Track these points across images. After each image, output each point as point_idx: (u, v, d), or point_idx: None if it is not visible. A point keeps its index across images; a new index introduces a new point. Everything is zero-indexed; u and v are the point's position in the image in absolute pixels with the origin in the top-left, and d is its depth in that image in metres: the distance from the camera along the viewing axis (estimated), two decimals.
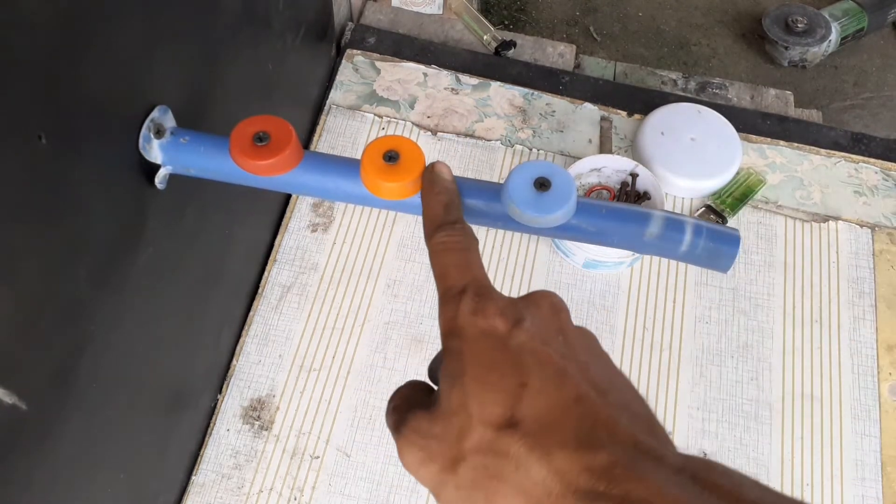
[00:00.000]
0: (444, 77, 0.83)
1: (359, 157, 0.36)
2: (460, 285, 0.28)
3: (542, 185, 0.34)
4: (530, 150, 0.79)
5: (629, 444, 0.23)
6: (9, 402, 0.33)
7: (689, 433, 0.65)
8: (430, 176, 0.35)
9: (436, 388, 0.28)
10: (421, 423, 0.26)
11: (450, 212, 0.33)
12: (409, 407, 0.27)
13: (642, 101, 0.82)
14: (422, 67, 0.83)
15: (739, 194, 0.76)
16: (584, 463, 0.22)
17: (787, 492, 0.63)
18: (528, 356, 0.25)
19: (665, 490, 0.21)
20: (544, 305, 0.28)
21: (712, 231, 0.36)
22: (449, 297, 0.28)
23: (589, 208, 0.36)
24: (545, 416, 0.24)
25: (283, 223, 0.73)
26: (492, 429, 0.24)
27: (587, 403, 0.24)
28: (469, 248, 0.30)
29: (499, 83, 0.83)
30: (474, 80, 0.83)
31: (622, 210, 0.37)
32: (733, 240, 0.36)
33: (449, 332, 0.27)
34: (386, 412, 0.29)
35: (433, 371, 0.32)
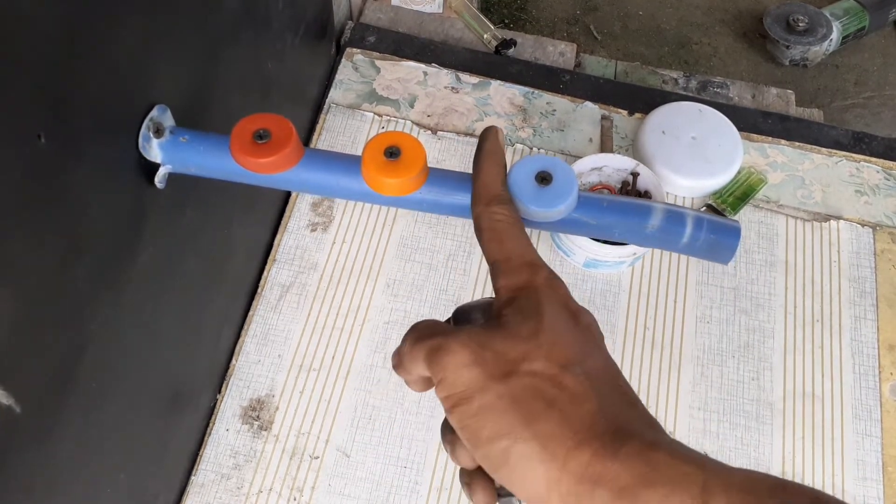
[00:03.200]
0: (445, 76, 0.83)
1: (359, 154, 0.36)
2: (529, 258, 0.30)
3: (543, 179, 0.34)
4: (531, 149, 0.79)
5: (654, 418, 0.28)
6: (5, 404, 0.33)
7: (690, 433, 0.65)
8: (494, 144, 0.34)
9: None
10: (481, 334, 0.28)
11: (504, 186, 0.33)
12: (450, 327, 0.29)
13: (643, 100, 0.82)
14: (422, 66, 0.83)
15: (740, 193, 0.76)
16: (630, 415, 0.27)
17: None
18: (593, 335, 0.29)
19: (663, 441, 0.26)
20: (593, 317, 0.31)
21: (713, 223, 0.36)
22: (519, 265, 0.30)
23: (590, 202, 0.36)
24: (603, 377, 0.28)
25: (282, 222, 0.73)
26: (557, 365, 0.27)
27: (630, 388, 0.28)
28: (524, 228, 0.32)
29: (499, 82, 0.82)
30: (474, 79, 0.82)
31: (624, 203, 0.37)
32: (734, 232, 0.36)
33: (524, 286, 0.29)
34: (410, 329, 0.30)
35: (466, 313, 0.33)
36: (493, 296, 0.31)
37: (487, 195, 0.32)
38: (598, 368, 0.28)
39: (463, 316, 0.33)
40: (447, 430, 0.30)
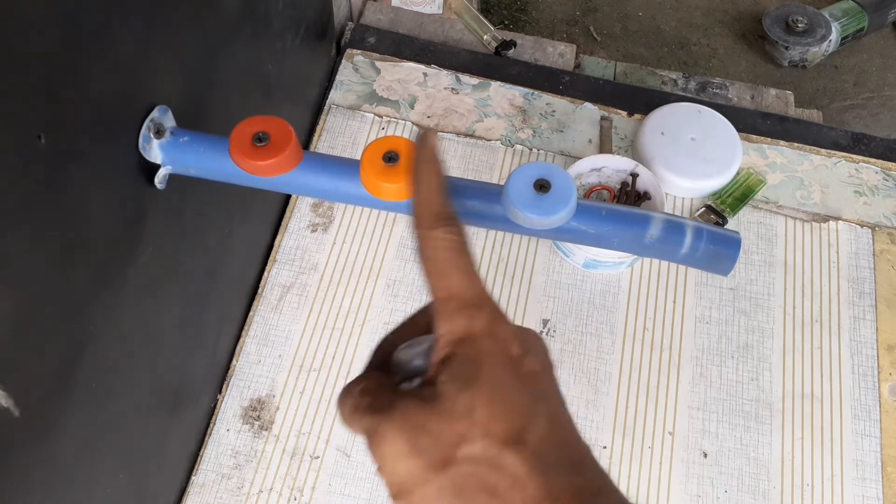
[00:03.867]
0: (444, 77, 0.83)
1: (359, 157, 0.36)
2: (471, 297, 0.28)
3: (542, 186, 0.34)
4: (530, 149, 0.79)
5: (603, 474, 0.26)
6: (4, 405, 0.33)
7: (689, 433, 0.65)
8: (429, 152, 0.30)
9: (402, 384, 0.29)
10: (417, 415, 0.26)
11: (447, 200, 0.29)
12: (386, 395, 0.27)
13: (642, 101, 0.82)
14: (422, 67, 0.83)
15: (740, 194, 0.76)
16: (575, 486, 0.25)
17: (787, 491, 0.63)
18: (538, 384, 0.27)
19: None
20: (540, 344, 0.29)
21: (713, 234, 0.36)
22: (458, 307, 0.28)
23: (589, 210, 0.36)
24: (547, 442, 0.25)
25: (282, 223, 0.73)
26: (497, 443, 0.25)
27: (577, 441, 0.27)
28: (471, 252, 0.29)
29: (499, 83, 0.82)
30: (474, 80, 0.83)
31: (622, 212, 0.37)
32: (734, 242, 0.36)
33: (462, 339, 0.27)
34: (347, 392, 0.28)
35: (406, 363, 0.30)
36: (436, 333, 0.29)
37: (428, 214, 0.28)
38: (543, 436, 0.26)
39: (402, 366, 0.30)
40: None
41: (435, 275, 0.29)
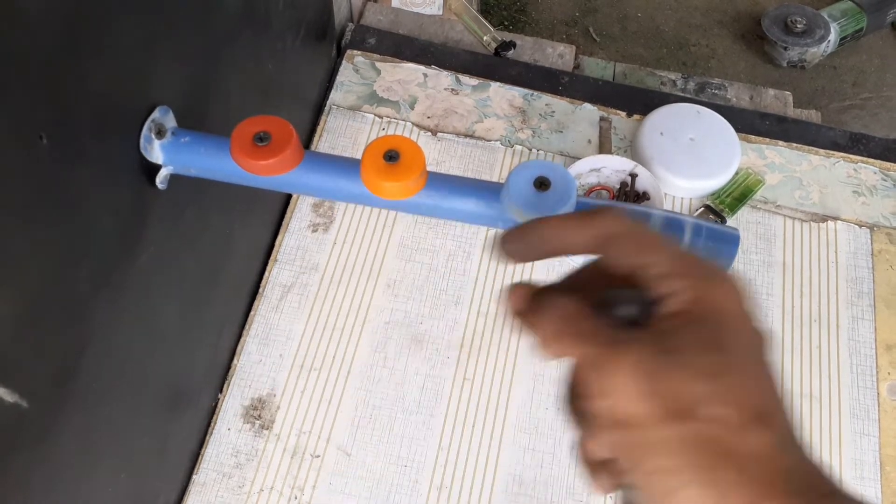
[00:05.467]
0: (444, 77, 0.83)
1: (359, 157, 0.36)
2: (706, 269, 0.26)
3: (542, 184, 0.34)
4: (530, 150, 0.79)
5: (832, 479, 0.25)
6: (10, 402, 0.33)
7: None
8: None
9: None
10: (654, 359, 0.24)
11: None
12: (589, 324, 0.26)
13: (642, 102, 0.82)
14: (422, 68, 0.83)
15: (738, 194, 0.76)
16: (812, 479, 0.24)
17: None
18: (774, 373, 0.27)
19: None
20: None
21: (712, 230, 0.37)
22: (683, 273, 0.26)
23: (589, 208, 0.36)
24: (790, 434, 0.25)
25: (283, 223, 0.74)
26: (745, 414, 0.24)
27: (806, 446, 0.26)
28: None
29: (499, 84, 0.83)
30: (474, 81, 0.83)
31: (622, 210, 0.37)
32: (733, 239, 0.37)
33: (698, 300, 0.25)
34: (544, 307, 0.27)
35: (617, 301, 0.29)
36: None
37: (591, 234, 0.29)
38: (786, 426, 0.25)
39: (613, 301, 0.29)
40: (578, 411, 0.28)
41: (634, 253, 0.27)
